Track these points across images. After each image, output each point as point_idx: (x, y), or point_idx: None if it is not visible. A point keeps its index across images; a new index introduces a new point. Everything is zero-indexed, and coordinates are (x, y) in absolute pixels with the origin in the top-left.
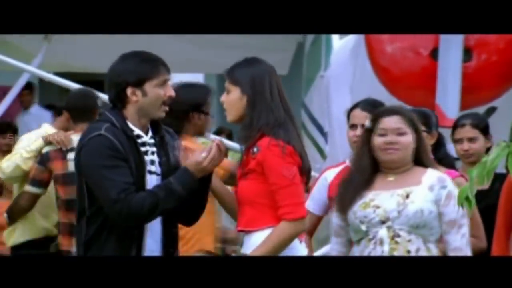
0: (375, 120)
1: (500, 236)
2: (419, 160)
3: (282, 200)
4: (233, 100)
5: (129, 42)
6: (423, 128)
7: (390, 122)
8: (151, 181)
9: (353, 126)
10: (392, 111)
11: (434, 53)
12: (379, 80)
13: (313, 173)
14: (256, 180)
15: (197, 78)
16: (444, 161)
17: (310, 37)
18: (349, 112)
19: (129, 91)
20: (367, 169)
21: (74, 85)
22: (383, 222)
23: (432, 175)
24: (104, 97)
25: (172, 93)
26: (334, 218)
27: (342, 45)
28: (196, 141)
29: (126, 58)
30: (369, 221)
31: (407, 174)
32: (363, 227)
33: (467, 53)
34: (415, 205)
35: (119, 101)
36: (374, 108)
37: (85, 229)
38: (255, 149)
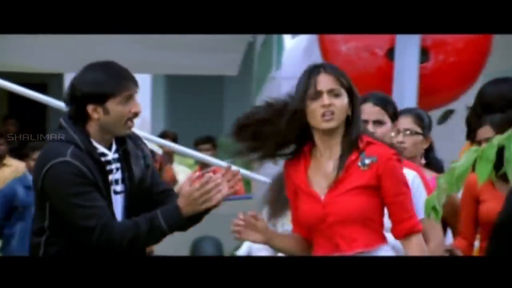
0: None
1: (461, 243)
2: None
3: (409, 210)
4: (345, 105)
5: (75, 41)
6: (418, 130)
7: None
8: (116, 201)
9: (364, 122)
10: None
11: (390, 53)
12: None
13: None
14: (370, 196)
15: (145, 79)
16: (432, 165)
17: (260, 37)
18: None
19: (90, 108)
20: None
21: (15, 87)
22: None
23: None
24: (48, 100)
25: (137, 109)
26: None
27: (294, 45)
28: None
29: (88, 71)
30: None
31: None
32: None
33: (424, 53)
34: None
35: (80, 117)
36: (386, 103)
37: (43, 247)
38: (367, 161)
